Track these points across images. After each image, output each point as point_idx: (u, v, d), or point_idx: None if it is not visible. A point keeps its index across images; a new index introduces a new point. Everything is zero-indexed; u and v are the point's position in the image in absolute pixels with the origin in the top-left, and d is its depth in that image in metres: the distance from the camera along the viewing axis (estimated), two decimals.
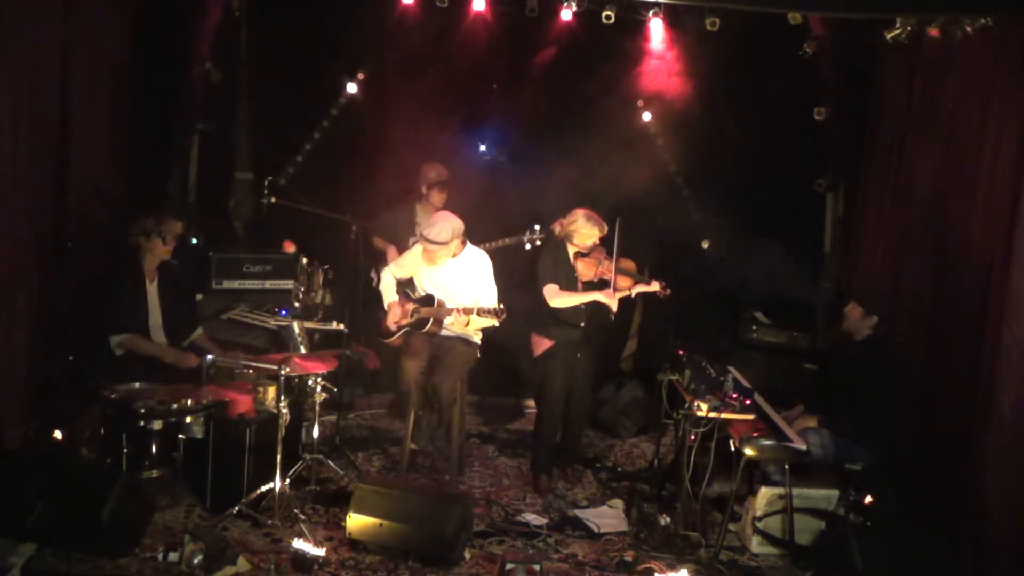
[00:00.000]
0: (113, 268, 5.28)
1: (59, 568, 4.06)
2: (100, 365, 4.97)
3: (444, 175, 6.10)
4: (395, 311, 5.37)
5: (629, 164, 6.62)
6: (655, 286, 5.27)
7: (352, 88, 6.69)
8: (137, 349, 5.10)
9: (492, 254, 5.51)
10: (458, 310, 5.09)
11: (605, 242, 5.30)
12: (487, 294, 5.26)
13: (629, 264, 5.37)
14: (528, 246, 5.83)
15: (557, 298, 5.24)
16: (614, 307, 5.22)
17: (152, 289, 5.27)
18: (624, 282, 5.31)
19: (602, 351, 5.98)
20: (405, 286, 5.50)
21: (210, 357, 4.77)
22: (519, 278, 5.89)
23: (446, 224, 5.19)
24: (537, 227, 5.76)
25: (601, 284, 5.27)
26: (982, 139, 4.75)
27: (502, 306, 5.01)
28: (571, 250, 5.34)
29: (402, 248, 5.97)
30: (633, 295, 5.40)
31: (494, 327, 5.25)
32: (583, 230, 5.24)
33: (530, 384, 5.86)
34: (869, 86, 6.18)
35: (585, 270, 5.31)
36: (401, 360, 5.35)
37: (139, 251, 5.22)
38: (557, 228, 5.39)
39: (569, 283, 5.30)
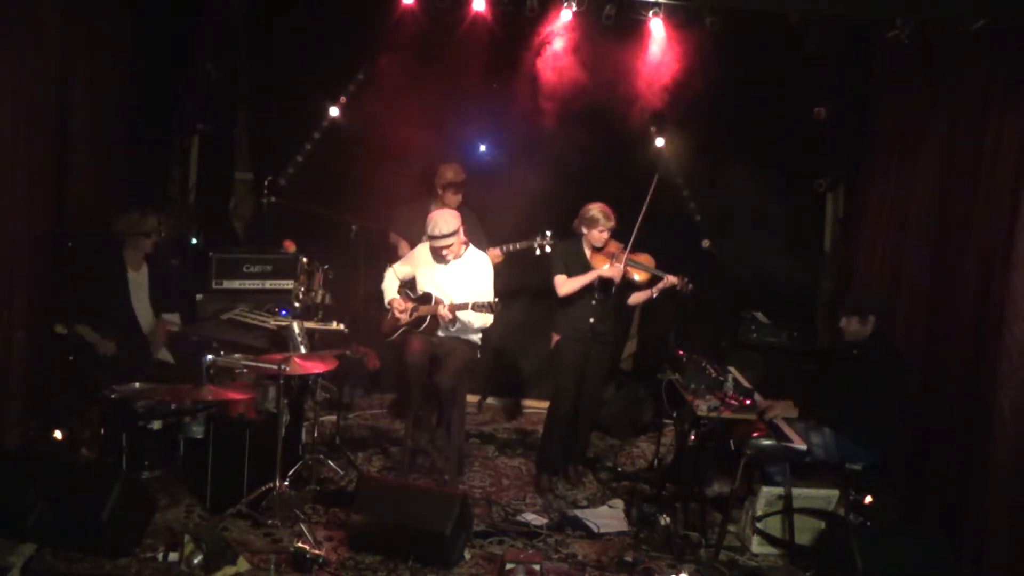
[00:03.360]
0: (98, 262, 5.32)
1: (59, 568, 4.06)
2: (91, 364, 5.00)
3: (461, 176, 6.05)
4: (398, 305, 5.40)
5: (628, 163, 6.63)
6: (674, 280, 5.23)
7: (351, 88, 6.70)
8: (81, 336, 5.09)
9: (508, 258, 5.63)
10: (450, 305, 5.15)
11: (622, 236, 5.30)
12: (486, 297, 5.29)
13: (646, 258, 5.33)
14: (538, 251, 5.84)
15: (565, 286, 5.31)
16: (617, 278, 5.18)
17: (136, 277, 5.32)
18: (640, 276, 5.29)
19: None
20: (406, 286, 5.52)
21: (210, 357, 4.77)
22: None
23: (444, 217, 5.27)
24: (548, 233, 5.78)
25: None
26: (982, 139, 4.75)
27: (496, 299, 5.03)
28: (587, 245, 5.36)
29: (414, 244, 5.98)
30: (655, 295, 5.35)
31: (492, 327, 5.26)
32: (590, 216, 5.26)
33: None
34: (869, 86, 6.18)
35: (599, 263, 5.30)
36: (401, 360, 5.36)
37: (122, 244, 5.26)
38: (576, 223, 5.40)
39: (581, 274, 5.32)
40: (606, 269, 5.23)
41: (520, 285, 6.32)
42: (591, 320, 5.27)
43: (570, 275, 5.33)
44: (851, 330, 4.88)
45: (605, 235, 5.30)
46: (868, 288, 5.82)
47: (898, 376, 4.85)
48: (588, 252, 5.37)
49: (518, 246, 5.94)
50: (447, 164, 6.13)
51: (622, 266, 5.20)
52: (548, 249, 5.76)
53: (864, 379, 4.77)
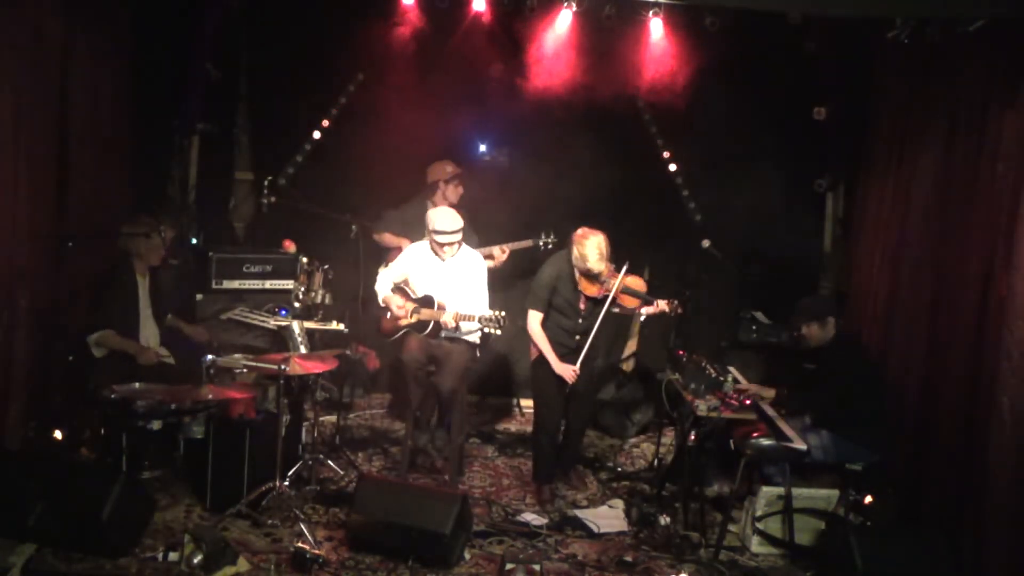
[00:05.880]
0: (108, 267, 5.30)
1: (59, 568, 4.06)
2: (90, 365, 4.99)
3: (459, 170, 6.11)
4: (395, 301, 5.36)
5: (629, 164, 6.63)
6: (662, 305, 5.10)
7: (351, 88, 6.70)
8: (108, 345, 5.08)
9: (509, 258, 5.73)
10: (455, 315, 5.13)
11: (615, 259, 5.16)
12: (479, 297, 5.31)
13: (638, 283, 5.20)
14: (542, 247, 5.94)
15: (530, 327, 5.17)
16: (569, 379, 5.09)
17: (144, 283, 5.31)
18: (629, 302, 5.18)
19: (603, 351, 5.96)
20: (402, 286, 5.52)
21: (210, 357, 4.77)
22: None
23: (449, 214, 5.28)
24: (552, 233, 5.82)
25: (603, 301, 5.10)
26: (982, 139, 4.75)
27: (503, 313, 5.01)
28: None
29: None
30: (642, 316, 5.31)
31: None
32: (581, 252, 5.00)
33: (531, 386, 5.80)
34: (869, 86, 6.18)
35: (589, 285, 5.10)
36: (400, 360, 5.36)
37: (131, 251, 5.24)
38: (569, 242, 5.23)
39: (570, 298, 5.15)
40: (558, 366, 5.08)
41: (518, 284, 6.30)
42: (577, 337, 5.16)
43: (560, 291, 5.13)
44: (814, 335, 4.97)
45: (588, 267, 5.02)
46: (818, 294, 5.99)
47: (868, 369, 4.94)
48: (578, 274, 5.13)
49: (520, 245, 5.98)
50: (439, 161, 6.14)
51: (573, 368, 5.06)
52: (551, 247, 5.78)
53: (837, 377, 4.78)
